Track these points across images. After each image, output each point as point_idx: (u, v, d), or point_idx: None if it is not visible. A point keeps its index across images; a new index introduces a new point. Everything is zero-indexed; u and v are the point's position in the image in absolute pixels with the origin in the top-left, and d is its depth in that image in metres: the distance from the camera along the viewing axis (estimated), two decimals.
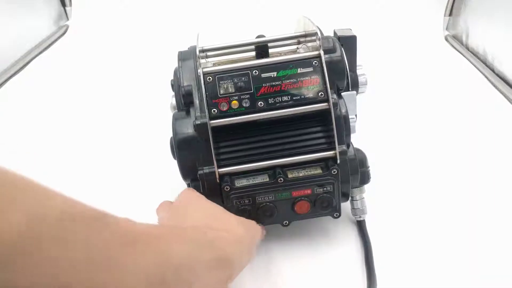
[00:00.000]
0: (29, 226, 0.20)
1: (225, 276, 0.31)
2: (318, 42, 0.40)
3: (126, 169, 0.58)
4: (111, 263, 0.22)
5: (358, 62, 0.53)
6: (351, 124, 0.42)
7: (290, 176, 0.39)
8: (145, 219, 0.41)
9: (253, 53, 0.47)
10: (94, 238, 0.22)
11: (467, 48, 0.89)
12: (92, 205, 0.24)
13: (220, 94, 0.39)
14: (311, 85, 0.39)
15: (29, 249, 0.19)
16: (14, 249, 0.19)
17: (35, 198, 0.21)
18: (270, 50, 0.46)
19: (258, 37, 0.46)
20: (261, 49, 0.44)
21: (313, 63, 0.39)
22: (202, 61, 0.46)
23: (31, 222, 0.20)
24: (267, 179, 0.39)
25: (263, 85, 0.39)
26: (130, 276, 0.23)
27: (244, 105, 0.39)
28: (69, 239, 0.21)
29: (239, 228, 0.34)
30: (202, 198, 0.38)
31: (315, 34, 0.41)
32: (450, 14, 0.98)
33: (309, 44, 0.44)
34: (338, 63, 0.42)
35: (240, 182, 0.39)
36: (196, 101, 0.41)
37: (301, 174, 0.39)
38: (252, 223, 0.38)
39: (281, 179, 0.39)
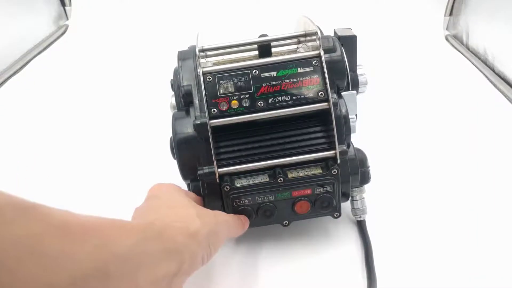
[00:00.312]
0: None
1: (174, 268, 0.29)
2: (318, 41, 0.40)
3: (125, 169, 0.58)
4: (40, 255, 0.21)
5: (358, 62, 0.53)
6: (351, 124, 0.42)
7: (290, 176, 0.39)
8: None
9: (253, 53, 0.46)
10: (19, 228, 0.20)
11: (468, 48, 0.89)
12: (21, 196, 0.22)
13: (220, 94, 0.39)
14: (311, 85, 0.39)
15: None
16: None
17: None
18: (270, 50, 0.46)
19: (261, 36, 0.45)
20: (264, 48, 0.44)
21: (313, 62, 0.39)
22: (202, 60, 0.45)
23: None
24: (267, 179, 0.39)
25: (263, 84, 0.39)
26: (63, 268, 0.22)
27: (244, 104, 0.39)
28: None
29: (195, 221, 0.33)
30: (167, 190, 0.38)
31: (315, 33, 0.40)
32: (451, 14, 0.98)
33: (309, 44, 0.44)
34: (338, 62, 0.42)
35: (240, 182, 0.39)
36: (196, 101, 0.41)
37: (301, 174, 0.39)
38: (219, 217, 0.37)
39: (281, 179, 0.39)
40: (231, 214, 0.39)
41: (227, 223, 0.37)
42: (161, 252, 0.28)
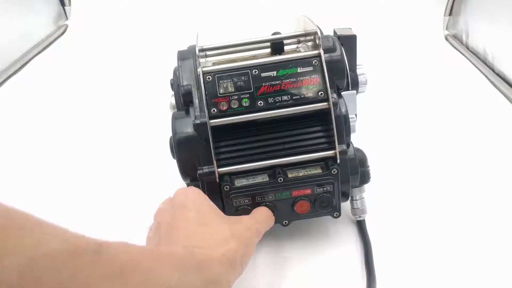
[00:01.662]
0: (28, 268, 0.19)
1: None
2: (318, 41, 0.40)
3: (125, 169, 0.58)
4: None
5: (358, 62, 0.53)
6: (351, 123, 0.42)
7: (290, 175, 0.39)
8: (144, 219, 0.41)
9: (253, 52, 0.47)
10: (85, 274, 0.22)
11: (467, 48, 0.89)
12: (89, 236, 0.23)
13: (220, 94, 0.39)
14: (311, 85, 0.39)
15: None
16: None
17: (32, 237, 0.21)
18: (268, 50, 0.46)
19: (273, 34, 0.46)
20: (277, 45, 0.44)
21: (313, 62, 0.39)
22: (202, 60, 0.46)
23: (30, 264, 0.19)
24: (267, 179, 0.39)
25: (263, 84, 0.39)
26: None
27: (243, 104, 0.39)
28: (66, 277, 0.21)
29: (231, 243, 0.33)
30: (194, 199, 0.37)
31: (315, 33, 0.40)
32: (450, 14, 0.98)
33: (309, 44, 0.44)
34: (338, 62, 0.42)
35: (240, 182, 0.39)
36: (196, 101, 0.41)
37: (301, 174, 0.39)
38: (252, 229, 0.36)
39: (281, 178, 0.39)
40: (259, 216, 0.39)
41: (258, 233, 0.37)
42: (202, 283, 0.29)
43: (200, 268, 0.29)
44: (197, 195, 0.38)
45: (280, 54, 0.44)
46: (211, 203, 0.37)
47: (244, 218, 0.37)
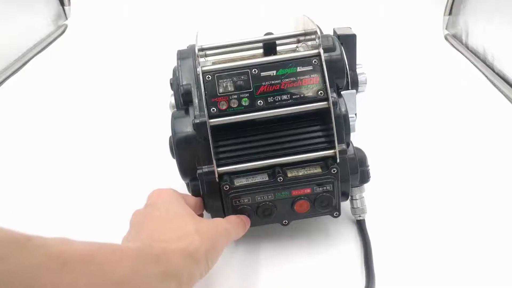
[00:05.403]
0: None
1: None
2: (317, 40, 0.40)
3: (124, 169, 0.58)
4: None
5: (357, 61, 0.53)
6: (350, 123, 0.42)
7: (289, 175, 0.39)
8: None
9: (253, 52, 0.46)
10: (15, 264, 0.20)
11: (467, 47, 0.89)
12: (14, 229, 0.22)
13: (219, 93, 0.39)
14: (310, 84, 0.39)
15: None
16: None
17: None
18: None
19: (266, 34, 0.45)
20: (269, 46, 0.44)
21: (313, 61, 0.39)
22: (201, 60, 0.45)
23: None
24: (267, 178, 0.39)
25: (263, 83, 0.39)
26: None
27: (243, 104, 0.38)
28: None
29: (193, 237, 0.32)
30: (167, 197, 0.37)
31: (315, 32, 0.40)
32: (450, 13, 0.98)
33: (309, 43, 0.44)
34: (338, 62, 0.42)
35: (240, 181, 0.39)
36: (195, 100, 0.41)
37: (300, 173, 0.39)
38: (219, 228, 0.36)
39: (281, 178, 0.39)
40: (232, 218, 0.39)
41: (226, 232, 0.37)
42: (158, 275, 0.28)
43: (158, 260, 0.29)
44: (169, 195, 0.38)
45: (272, 55, 0.44)
46: (183, 203, 0.37)
47: (215, 218, 0.38)
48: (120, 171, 0.58)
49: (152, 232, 0.33)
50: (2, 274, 0.20)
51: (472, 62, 0.83)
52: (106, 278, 0.25)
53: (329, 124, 0.39)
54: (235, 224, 0.38)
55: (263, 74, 0.39)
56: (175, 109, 0.45)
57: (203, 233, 0.34)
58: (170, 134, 0.41)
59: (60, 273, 0.22)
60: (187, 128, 0.40)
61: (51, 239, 0.24)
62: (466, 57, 0.86)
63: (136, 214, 0.37)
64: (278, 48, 0.45)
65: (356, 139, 0.44)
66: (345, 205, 0.45)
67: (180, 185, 0.44)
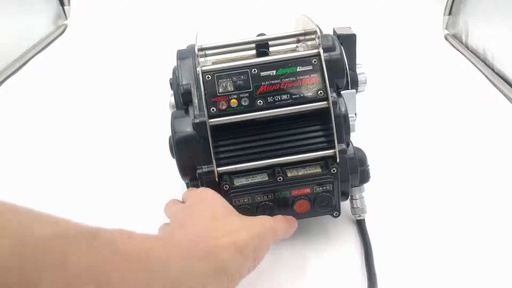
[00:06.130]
0: (20, 248, 0.19)
1: (222, 286, 0.29)
2: (317, 40, 0.40)
3: (124, 168, 0.58)
4: (105, 284, 0.22)
5: (357, 61, 0.53)
6: (350, 123, 0.42)
7: (289, 175, 0.39)
8: (143, 218, 0.41)
9: (252, 52, 0.46)
10: (86, 259, 0.21)
11: (467, 47, 0.89)
12: (83, 222, 0.23)
13: (219, 93, 0.39)
14: (310, 84, 0.39)
15: (18, 276, 0.19)
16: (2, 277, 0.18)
17: (20, 222, 0.20)
18: (269, 49, 0.46)
19: (259, 35, 0.45)
20: (262, 47, 0.44)
21: (313, 61, 0.39)
22: (201, 59, 0.45)
23: (18, 246, 0.19)
24: (267, 178, 0.39)
25: (262, 83, 0.39)
26: None
27: (243, 103, 0.38)
28: (61, 261, 0.20)
29: (241, 234, 0.32)
30: (211, 198, 0.37)
31: (315, 32, 0.40)
32: (450, 13, 0.98)
33: (309, 43, 0.44)
34: (338, 61, 0.42)
35: (239, 181, 0.39)
36: (195, 100, 0.41)
37: (300, 173, 0.39)
38: (266, 225, 0.36)
39: (281, 178, 0.39)
40: (279, 217, 0.39)
41: (273, 230, 0.36)
42: (209, 272, 0.28)
43: (208, 257, 0.29)
44: (211, 194, 0.38)
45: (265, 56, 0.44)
46: (226, 202, 0.37)
47: (261, 216, 0.37)
48: (120, 171, 0.58)
49: (197, 230, 0.33)
50: (73, 268, 0.21)
51: (472, 62, 0.83)
52: (162, 277, 0.25)
53: (329, 124, 0.39)
54: (282, 223, 0.38)
55: (262, 74, 0.39)
56: (175, 109, 0.45)
57: (250, 229, 0.34)
58: (170, 134, 0.41)
59: (124, 270, 0.23)
60: (187, 128, 0.40)
61: (114, 233, 0.24)
62: (466, 57, 0.85)
63: (176, 214, 0.37)
64: (277, 48, 0.45)
65: (356, 139, 0.44)
66: (345, 205, 0.45)
67: (180, 185, 0.44)
